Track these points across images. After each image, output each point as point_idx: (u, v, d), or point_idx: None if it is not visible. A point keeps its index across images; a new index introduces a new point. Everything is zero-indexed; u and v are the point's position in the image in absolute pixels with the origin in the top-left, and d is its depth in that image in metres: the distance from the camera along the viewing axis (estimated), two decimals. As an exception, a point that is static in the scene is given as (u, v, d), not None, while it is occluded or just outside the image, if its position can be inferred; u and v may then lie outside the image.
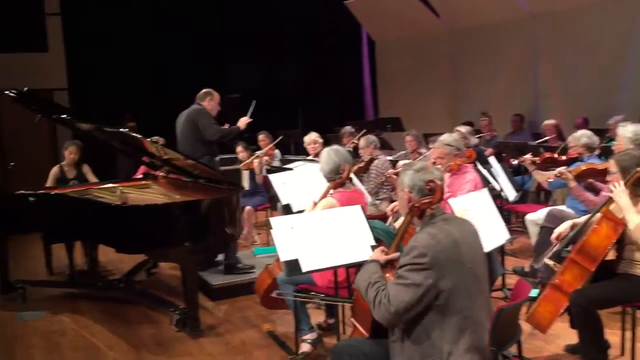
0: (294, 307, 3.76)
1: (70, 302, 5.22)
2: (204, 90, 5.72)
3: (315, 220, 3.35)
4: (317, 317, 4.26)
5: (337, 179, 3.81)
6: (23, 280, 5.45)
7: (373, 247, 3.33)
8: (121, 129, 4.75)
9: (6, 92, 4.93)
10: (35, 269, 6.36)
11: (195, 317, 4.30)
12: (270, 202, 7.17)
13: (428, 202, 2.43)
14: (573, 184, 4.33)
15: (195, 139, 5.48)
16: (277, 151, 8.04)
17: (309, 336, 3.81)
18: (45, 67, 10.58)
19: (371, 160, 6.17)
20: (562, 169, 4.32)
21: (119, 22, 11.34)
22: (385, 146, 8.17)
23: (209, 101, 5.62)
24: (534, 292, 2.40)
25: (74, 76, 10.94)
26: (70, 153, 6.14)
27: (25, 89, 4.95)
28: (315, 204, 3.84)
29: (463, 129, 6.59)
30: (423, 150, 7.18)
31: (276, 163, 7.60)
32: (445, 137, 4.69)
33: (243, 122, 5.88)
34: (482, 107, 9.33)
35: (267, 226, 7.18)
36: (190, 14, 11.66)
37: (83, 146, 6.26)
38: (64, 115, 4.99)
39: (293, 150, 10.51)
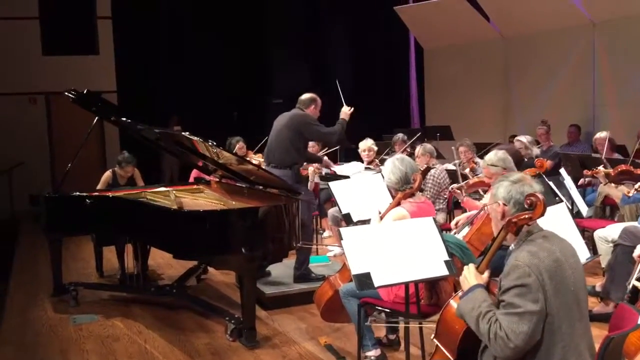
0: (357, 321, 3.59)
1: (122, 306, 5.17)
2: (309, 96, 5.27)
3: (386, 231, 3.19)
4: (376, 332, 4.07)
5: (406, 188, 3.64)
6: (75, 282, 5.42)
7: (447, 262, 3.16)
8: (183, 133, 4.66)
9: (66, 93, 4.93)
10: (84, 271, 6.37)
11: (252, 327, 4.17)
12: (320, 209, 7.06)
13: (527, 218, 2.25)
14: (655, 199, 4.07)
15: (293, 146, 5.14)
16: (325, 158, 7.92)
17: (373, 353, 3.64)
18: (96, 70, 10.71)
19: (427, 170, 5.98)
20: (644, 183, 4.07)
21: (167, 26, 11.44)
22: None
23: (313, 109, 5.25)
24: (643, 320, 2.18)
25: (122, 79, 11.03)
26: (127, 172, 5.99)
27: (85, 90, 4.92)
28: (382, 214, 3.68)
29: (524, 138, 6.34)
30: (478, 160, 6.97)
31: (324, 170, 7.47)
32: (491, 157, 4.38)
33: (346, 113, 5.38)
34: (536, 116, 9.03)
35: (316, 234, 7.11)
36: (237, 17, 11.66)
37: (135, 159, 6.11)
38: (124, 118, 4.94)
39: (338, 157, 10.38)
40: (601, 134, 6.97)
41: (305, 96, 5.29)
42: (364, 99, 12.54)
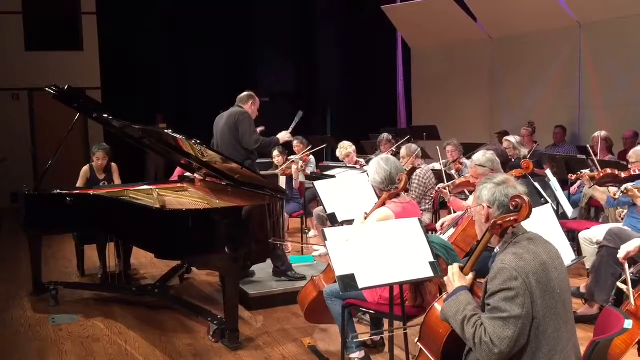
0: (341, 323, 3.55)
1: (103, 306, 5.08)
2: (247, 93, 5.52)
3: (371, 232, 3.14)
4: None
5: (392, 189, 3.60)
6: (55, 281, 5.32)
7: (432, 264, 3.13)
8: (167, 130, 4.59)
9: (46, 89, 4.83)
10: (65, 270, 6.27)
11: (235, 329, 4.11)
12: (305, 209, 7.02)
13: (513, 220, 2.21)
14: (640, 201, 4.06)
15: (237, 143, 5.32)
16: (311, 157, 7.89)
17: (357, 355, 3.60)
18: (80, 66, 10.58)
19: (413, 170, 5.95)
20: (629, 185, 4.06)
21: (153, 23, 11.33)
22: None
23: (251, 105, 5.44)
24: (628, 324, 2.15)
25: (107, 76, 10.90)
26: (98, 159, 5.91)
27: (66, 86, 4.83)
28: (367, 214, 3.64)
29: (513, 139, 6.32)
30: (465, 161, 6.96)
31: (310, 169, 7.44)
32: (479, 157, 4.38)
33: (284, 137, 5.72)
34: (522, 117, 9.06)
35: (302, 233, 7.06)
36: (223, 16, 11.58)
37: (110, 149, 6.05)
38: (105, 114, 4.85)
39: (324, 156, 10.33)
40: (600, 133, 6.83)
41: (244, 94, 5.50)
42: (351, 98, 12.56)
